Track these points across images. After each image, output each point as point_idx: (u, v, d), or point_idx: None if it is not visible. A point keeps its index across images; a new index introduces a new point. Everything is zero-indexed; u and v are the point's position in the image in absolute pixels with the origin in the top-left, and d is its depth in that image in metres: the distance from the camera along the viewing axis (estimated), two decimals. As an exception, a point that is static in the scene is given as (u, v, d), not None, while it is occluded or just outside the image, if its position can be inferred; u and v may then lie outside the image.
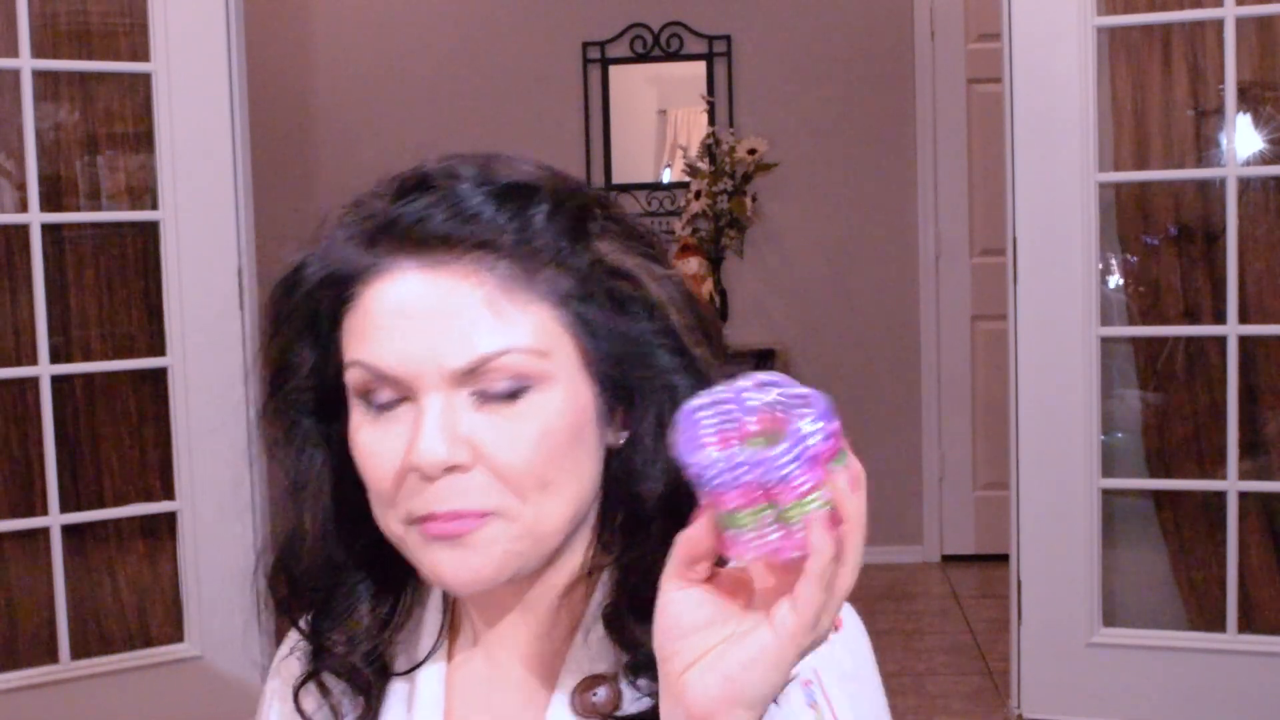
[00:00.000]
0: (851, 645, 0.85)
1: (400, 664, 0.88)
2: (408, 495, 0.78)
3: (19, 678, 3.00)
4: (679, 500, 0.79)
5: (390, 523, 0.80)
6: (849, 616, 0.85)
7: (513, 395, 0.78)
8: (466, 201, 0.80)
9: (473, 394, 0.78)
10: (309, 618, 0.88)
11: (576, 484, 0.81)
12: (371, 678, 0.87)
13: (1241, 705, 2.96)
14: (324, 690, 0.88)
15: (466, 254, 0.78)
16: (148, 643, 3.16)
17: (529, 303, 0.78)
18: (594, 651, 0.83)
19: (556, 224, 0.80)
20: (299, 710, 0.88)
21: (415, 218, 0.80)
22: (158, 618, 3.19)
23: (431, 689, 0.87)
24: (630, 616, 0.80)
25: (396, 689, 0.88)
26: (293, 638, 0.93)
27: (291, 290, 0.85)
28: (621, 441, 0.83)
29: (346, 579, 0.87)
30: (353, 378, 0.80)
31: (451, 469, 0.77)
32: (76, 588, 3.07)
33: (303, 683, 0.88)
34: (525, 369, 0.78)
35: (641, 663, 0.79)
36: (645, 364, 0.81)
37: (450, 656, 0.89)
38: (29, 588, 3.05)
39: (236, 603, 3.15)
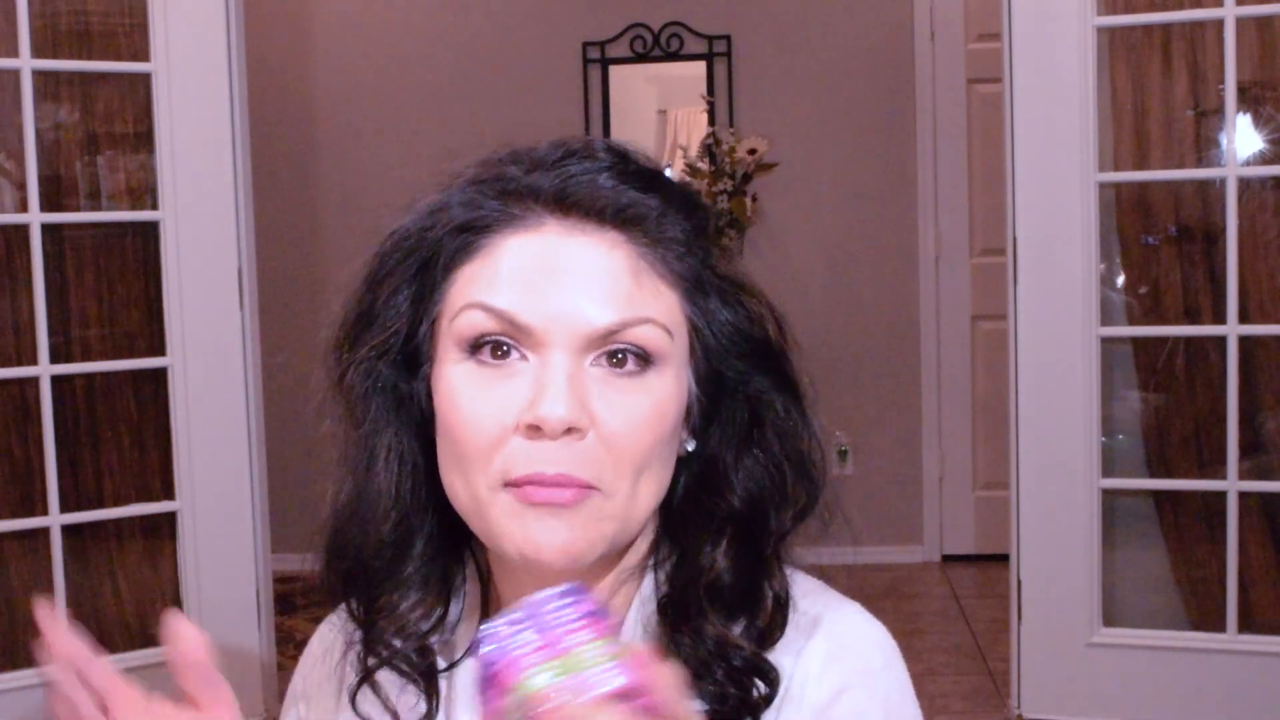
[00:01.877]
0: (890, 665, 0.84)
1: (439, 661, 0.87)
2: (509, 455, 0.76)
3: (19, 678, 3.00)
4: (754, 511, 0.82)
5: (476, 486, 0.78)
6: (883, 640, 0.84)
7: (635, 370, 0.78)
8: (610, 178, 0.80)
9: (595, 363, 0.78)
10: (359, 605, 0.86)
11: (664, 474, 0.81)
12: (425, 670, 0.86)
13: (1241, 705, 2.96)
14: (375, 687, 0.86)
15: (610, 225, 0.79)
16: (148, 643, 3.16)
17: (664, 283, 0.80)
18: None
19: (686, 219, 0.82)
20: (354, 708, 0.87)
21: (560, 184, 0.80)
22: (158, 618, 3.19)
23: (468, 689, 0.86)
24: (693, 612, 0.80)
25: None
26: (326, 626, 0.92)
27: (414, 236, 0.83)
28: (689, 449, 0.84)
29: (402, 565, 0.85)
30: (466, 324, 0.78)
31: (569, 431, 0.76)
32: (76, 588, 3.07)
33: (358, 685, 0.86)
34: (654, 345, 0.78)
35: (702, 662, 0.79)
36: (741, 369, 0.83)
37: None
38: (29, 588, 3.05)
39: (235, 602, 3.16)
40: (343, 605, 0.88)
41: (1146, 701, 3.03)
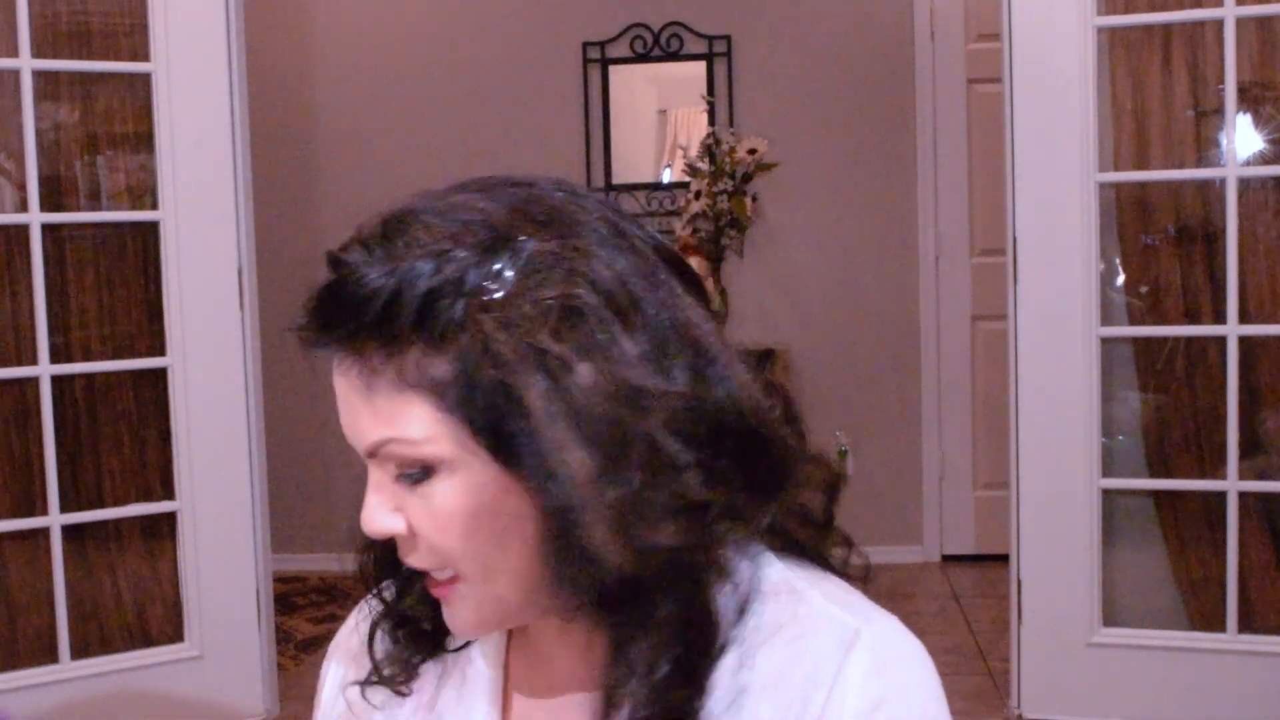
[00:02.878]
0: (928, 681, 0.85)
1: (451, 641, 0.90)
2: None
3: (19, 678, 3.00)
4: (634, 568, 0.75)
5: None
6: (920, 655, 0.85)
7: (420, 478, 0.76)
8: (343, 285, 0.74)
9: (391, 471, 0.78)
10: (390, 585, 0.90)
11: (518, 555, 0.76)
12: (432, 632, 0.89)
13: (1241, 705, 2.96)
14: (395, 639, 0.90)
15: (342, 342, 0.75)
16: (148, 643, 3.16)
17: (399, 393, 0.74)
18: (639, 686, 0.80)
19: (436, 301, 0.72)
20: (370, 654, 0.90)
21: (305, 306, 0.76)
22: (158, 618, 3.19)
23: (486, 673, 0.88)
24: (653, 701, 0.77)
25: (451, 673, 0.89)
26: (354, 617, 0.95)
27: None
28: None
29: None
30: None
31: (399, 535, 0.79)
32: (76, 588, 3.07)
33: (373, 630, 0.90)
34: (413, 456, 0.75)
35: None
36: (514, 434, 0.73)
37: (510, 645, 0.90)
38: (29, 588, 3.05)
39: (235, 602, 3.16)
40: (361, 604, 0.93)
41: (1146, 701, 3.03)
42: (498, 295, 0.72)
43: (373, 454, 0.77)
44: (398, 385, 0.74)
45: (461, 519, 0.75)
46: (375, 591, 0.90)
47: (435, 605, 0.85)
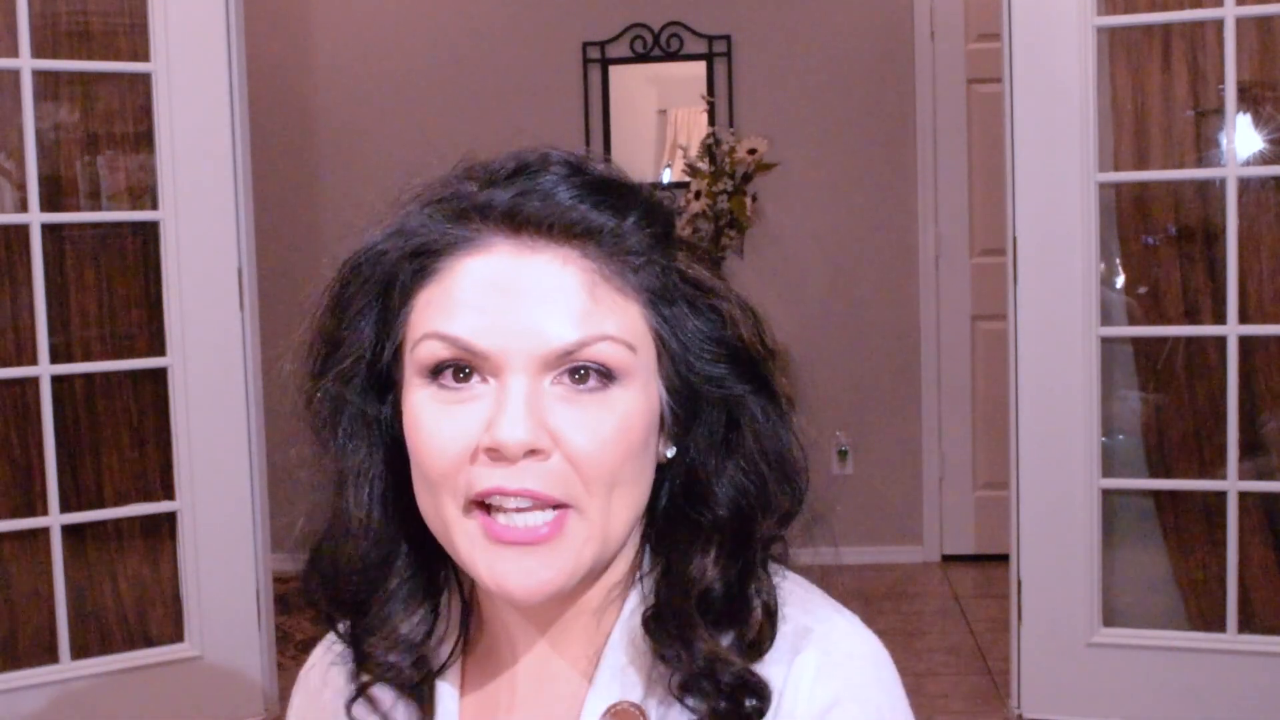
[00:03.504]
0: (882, 679, 0.83)
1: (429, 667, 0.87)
2: (473, 476, 0.76)
3: (19, 678, 3.00)
4: (739, 519, 0.81)
5: (443, 508, 0.78)
6: (874, 652, 0.84)
7: (597, 386, 0.77)
8: (565, 191, 0.79)
9: (556, 381, 0.77)
10: (347, 624, 0.86)
11: (641, 488, 0.80)
12: (418, 679, 0.86)
13: (1241, 705, 2.96)
14: (372, 701, 0.86)
15: (565, 241, 0.77)
16: (148, 643, 3.16)
17: (623, 296, 0.78)
18: (619, 677, 0.82)
19: (647, 228, 0.80)
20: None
21: (512, 201, 0.78)
22: (158, 618, 3.19)
23: (447, 707, 0.86)
24: (683, 625, 0.79)
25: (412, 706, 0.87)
26: (322, 648, 0.92)
27: (371, 261, 0.82)
28: (669, 456, 0.82)
29: (385, 581, 0.85)
30: (425, 353, 0.78)
31: (532, 453, 0.75)
32: (76, 588, 3.07)
33: (354, 698, 0.86)
34: (615, 361, 0.77)
35: (692, 677, 0.78)
36: (716, 378, 0.81)
37: (465, 671, 0.88)
38: (29, 588, 3.05)
39: (235, 602, 3.16)
40: (330, 634, 0.89)
41: (1146, 701, 3.03)
42: (684, 246, 0.82)
43: (567, 354, 0.76)
44: (621, 289, 0.78)
45: (625, 433, 0.77)
46: (344, 634, 0.87)
47: (411, 648, 0.84)
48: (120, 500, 3.13)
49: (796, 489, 0.84)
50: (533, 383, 0.76)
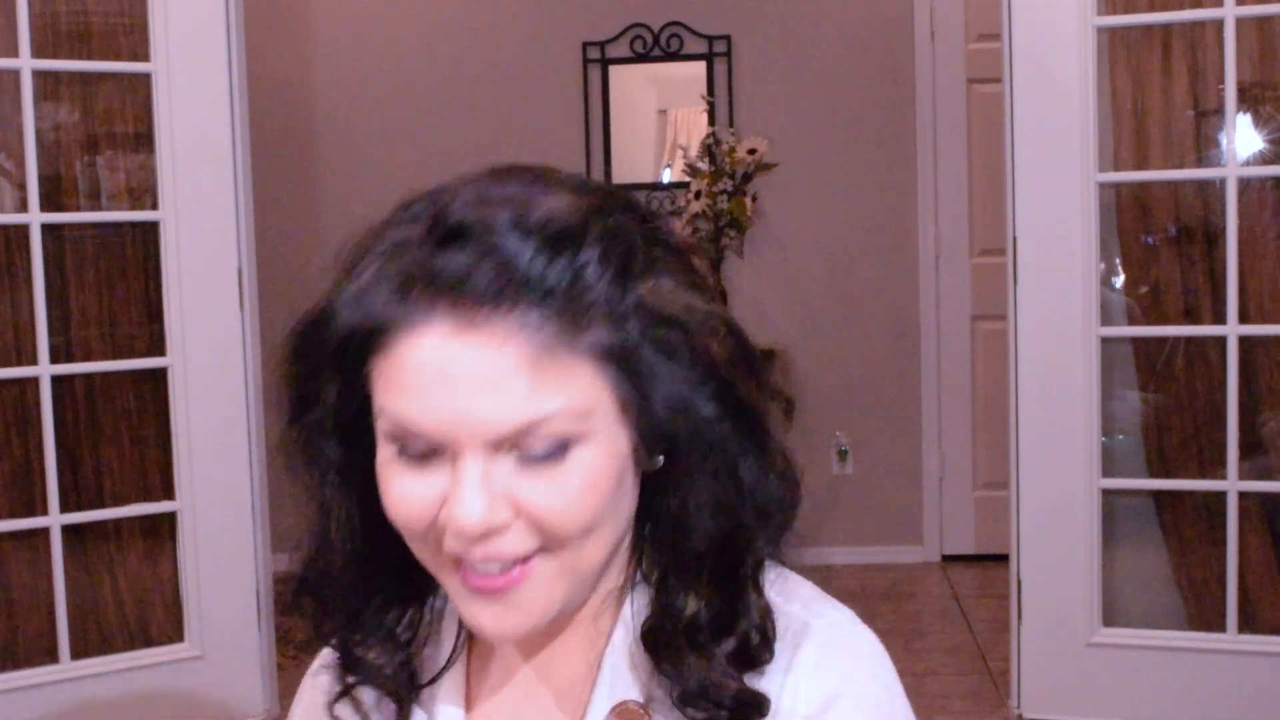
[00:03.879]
0: (879, 674, 0.83)
1: (423, 676, 0.88)
2: (445, 542, 0.76)
3: (19, 678, 3.00)
4: (725, 544, 0.80)
5: (425, 558, 0.79)
6: (871, 647, 0.84)
7: (555, 454, 0.75)
8: (512, 256, 0.74)
9: (510, 453, 0.75)
10: (338, 636, 0.87)
11: (618, 519, 0.80)
12: (404, 689, 0.86)
13: (1241, 705, 2.96)
14: (357, 704, 0.87)
15: (510, 313, 0.73)
16: (148, 643, 3.16)
17: (572, 363, 0.74)
18: (623, 678, 0.82)
19: (604, 271, 0.75)
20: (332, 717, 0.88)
21: (457, 275, 0.73)
22: (158, 618, 3.19)
23: (450, 711, 0.87)
24: (673, 648, 0.80)
25: (416, 712, 0.87)
26: (324, 655, 0.92)
27: (318, 329, 0.80)
28: (659, 464, 0.80)
29: (374, 598, 0.86)
30: (385, 424, 0.77)
31: (491, 532, 0.75)
32: (76, 588, 3.07)
33: (338, 697, 0.87)
34: (566, 432, 0.74)
35: (693, 690, 0.78)
36: (687, 413, 0.78)
37: (470, 675, 0.88)
38: (29, 588, 3.05)
39: (235, 602, 3.16)
40: (325, 649, 0.90)
41: (1146, 701, 3.03)
42: (658, 246, 0.79)
43: (515, 437, 0.73)
44: (571, 350, 0.74)
45: (590, 488, 0.76)
46: (333, 643, 0.87)
47: (402, 663, 0.85)
48: (120, 500, 3.13)
49: (785, 504, 0.83)
50: (486, 461, 0.74)
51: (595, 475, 0.76)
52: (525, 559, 0.76)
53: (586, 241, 0.75)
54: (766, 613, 0.81)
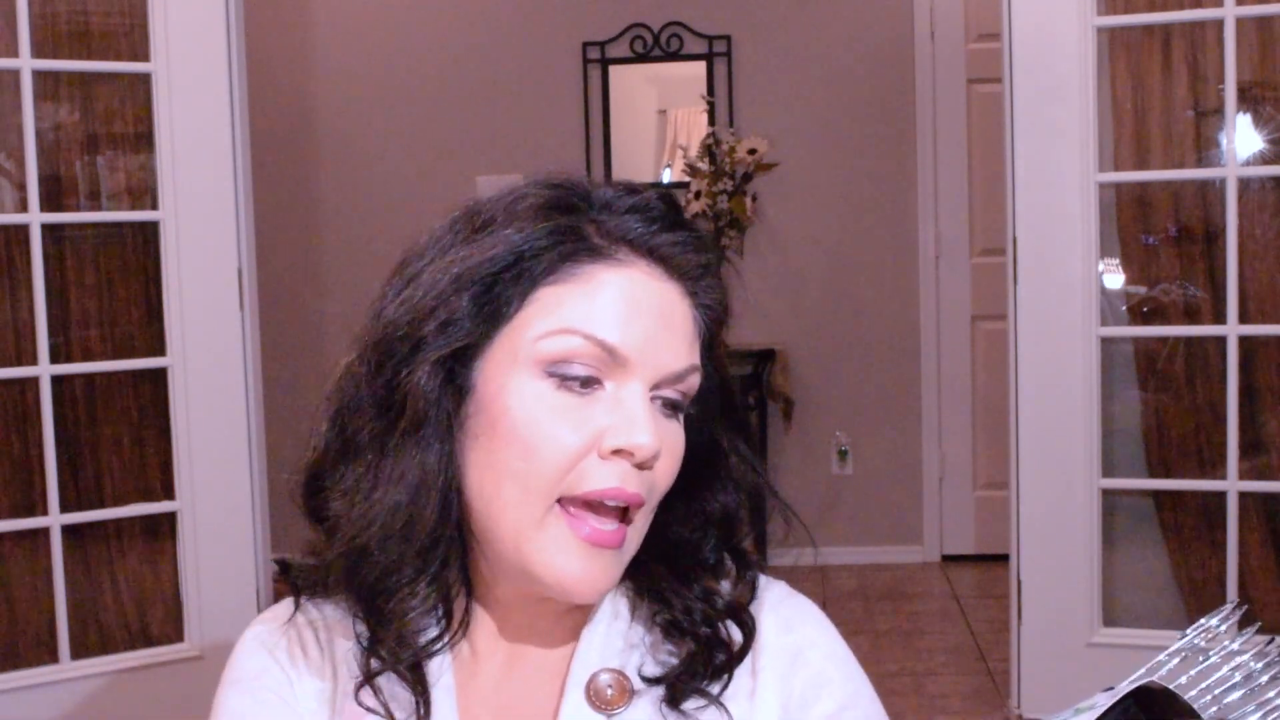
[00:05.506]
0: (830, 627, 0.92)
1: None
2: (584, 473, 0.80)
3: (19, 678, 3.00)
4: (727, 520, 0.90)
5: (533, 506, 0.80)
6: (814, 607, 0.92)
7: (672, 414, 0.85)
8: (678, 235, 0.86)
9: (655, 398, 0.83)
10: (365, 606, 0.85)
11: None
12: (419, 673, 0.86)
13: (1241, 705, 2.96)
14: (376, 690, 0.86)
15: (680, 277, 0.85)
16: (148, 643, 3.16)
17: (698, 332, 0.87)
18: (602, 646, 0.87)
19: (718, 280, 0.89)
20: (358, 702, 0.87)
21: (647, 230, 0.84)
22: (158, 618, 3.19)
23: (442, 680, 0.87)
24: (682, 565, 0.88)
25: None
26: (277, 610, 0.94)
27: (510, 247, 0.81)
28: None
29: (420, 575, 0.84)
30: (559, 346, 0.80)
31: (651, 458, 0.81)
32: (76, 588, 3.07)
33: (363, 683, 0.86)
34: (690, 393, 0.85)
35: (683, 613, 0.86)
36: (708, 414, 0.89)
37: (456, 656, 0.90)
38: (29, 588, 3.05)
39: (235, 602, 3.16)
40: (280, 605, 0.92)
41: (1146, 701, 3.03)
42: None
43: (679, 376, 0.83)
44: (698, 326, 0.86)
45: (681, 456, 0.85)
46: (359, 624, 0.86)
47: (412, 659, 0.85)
48: (120, 500, 3.13)
49: (758, 515, 0.92)
50: (647, 395, 0.82)
51: (683, 444, 0.86)
52: (629, 519, 0.82)
53: (711, 254, 0.89)
54: (755, 573, 0.90)
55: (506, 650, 0.89)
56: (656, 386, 0.82)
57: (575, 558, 0.80)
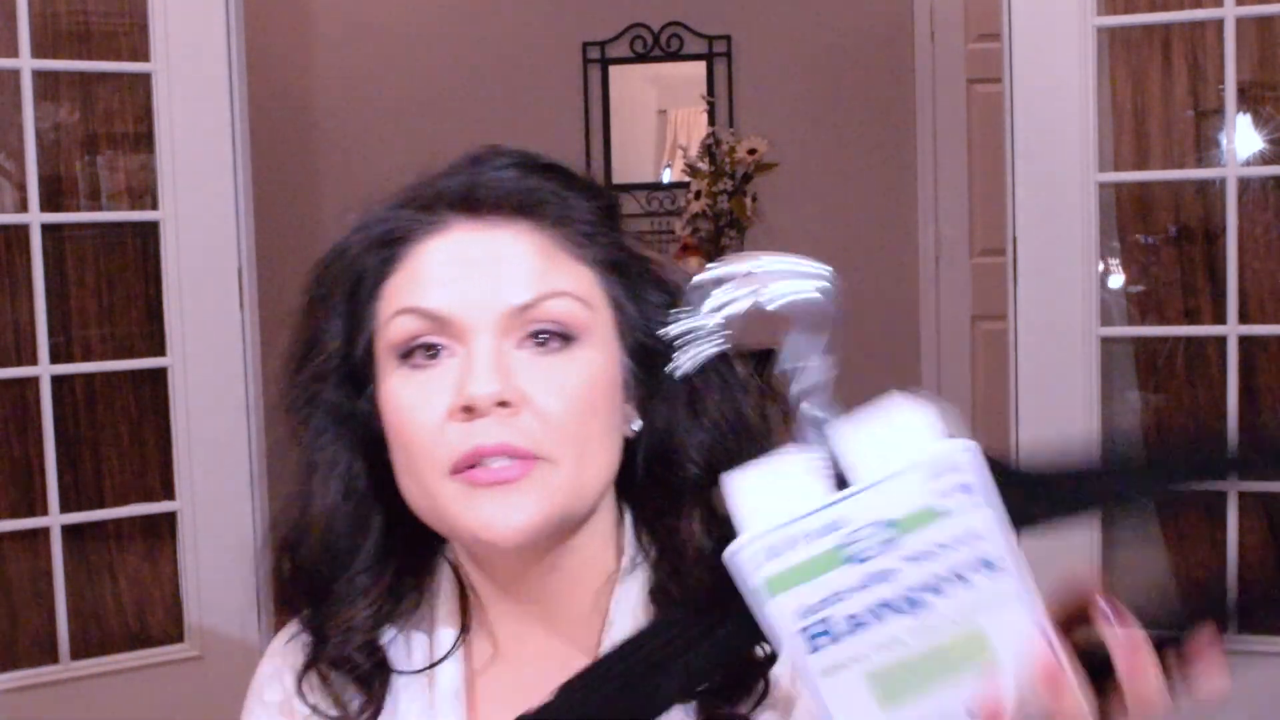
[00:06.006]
0: None
1: (416, 660, 0.88)
2: (449, 441, 0.79)
3: (19, 678, 3.00)
4: (713, 476, 0.84)
5: (425, 481, 0.80)
6: None
7: (559, 347, 0.81)
8: (514, 173, 0.85)
9: (521, 345, 0.80)
10: (309, 607, 0.89)
11: (609, 450, 0.83)
12: (370, 670, 0.87)
13: (1241, 705, 2.96)
14: (324, 679, 0.88)
15: (516, 216, 0.83)
16: (148, 643, 3.16)
17: (576, 261, 0.83)
18: (634, 617, 0.85)
19: (592, 203, 0.86)
20: (301, 697, 0.89)
21: (466, 182, 0.85)
22: (158, 618, 3.19)
23: (451, 688, 0.87)
24: (683, 593, 0.83)
25: (413, 689, 0.87)
26: (292, 627, 0.95)
27: (337, 259, 0.87)
28: (634, 430, 0.86)
29: (348, 568, 0.87)
30: (397, 331, 0.81)
31: (502, 404, 0.78)
32: (76, 588, 3.08)
33: (303, 672, 0.89)
34: (573, 318, 0.81)
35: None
36: (665, 341, 0.80)
37: (469, 659, 0.89)
38: (29, 588, 3.05)
39: (235, 602, 3.16)
40: (291, 626, 0.93)
41: (1146, 701, 3.03)
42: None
43: (526, 308, 0.80)
44: (574, 255, 0.83)
45: (589, 389, 0.81)
46: (304, 619, 0.89)
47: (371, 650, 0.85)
48: (120, 500, 3.13)
49: (757, 445, 0.86)
50: (498, 344, 0.80)
51: (593, 376, 0.81)
52: (531, 458, 0.79)
53: (576, 181, 0.87)
54: None
55: (536, 644, 0.87)
56: (511, 330, 0.80)
57: (481, 503, 0.79)
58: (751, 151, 4.48)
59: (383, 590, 0.87)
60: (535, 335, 0.80)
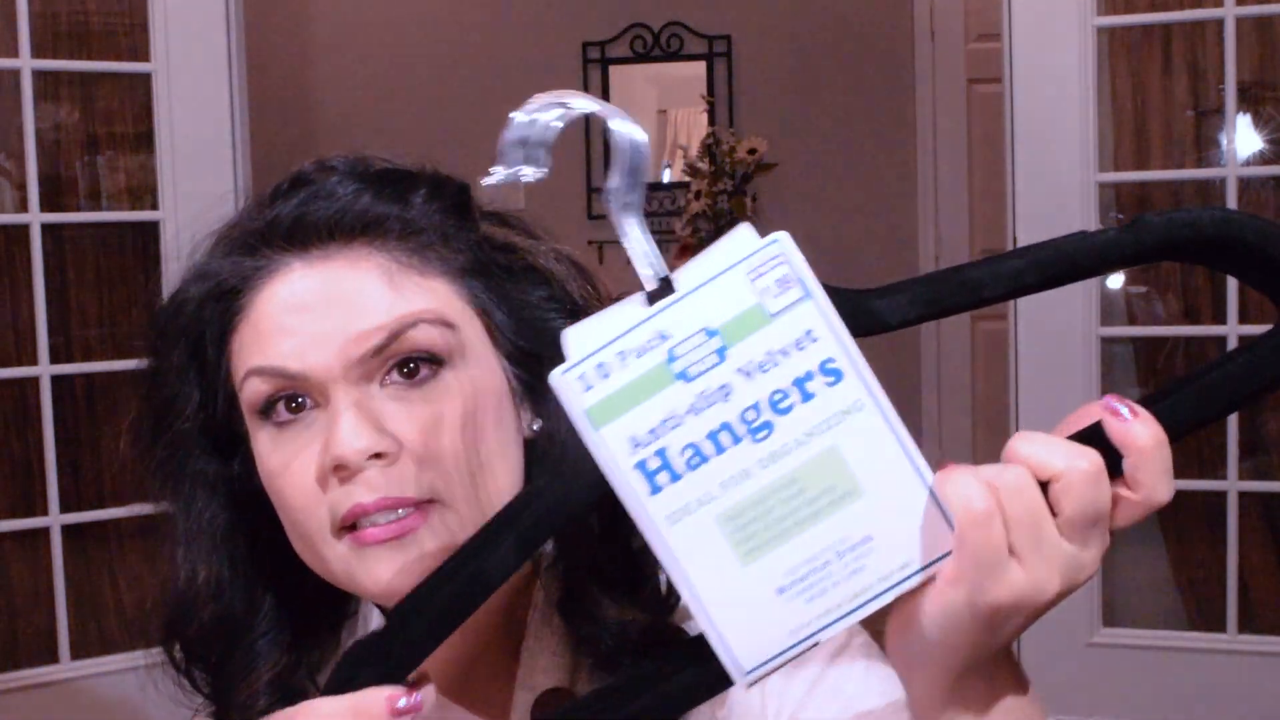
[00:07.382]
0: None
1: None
2: (331, 503, 0.72)
3: (19, 678, 3.00)
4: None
5: (314, 544, 0.74)
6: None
7: (428, 375, 0.73)
8: (343, 191, 0.78)
9: (385, 383, 0.73)
10: (208, 679, 0.84)
11: (509, 465, 0.76)
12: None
13: (1241, 705, 2.96)
14: None
15: (352, 241, 0.75)
16: (148, 643, 3.16)
17: (428, 278, 0.75)
18: (546, 661, 0.79)
19: (438, 205, 0.78)
20: None
21: (294, 214, 0.76)
22: (158, 618, 3.19)
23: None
24: (588, 602, 0.77)
25: None
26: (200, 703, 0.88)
27: (174, 315, 0.79)
28: (536, 429, 0.79)
29: (245, 637, 0.82)
30: (251, 393, 0.74)
31: (377, 456, 0.71)
32: (76, 588, 3.07)
33: None
34: (435, 343, 0.73)
35: (609, 652, 0.76)
36: (548, 337, 0.76)
37: None
38: (29, 588, 3.05)
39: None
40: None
41: (1146, 701, 3.03)
42: (485, 216, 0.81)
43: (381, 349, 0.72)
44: (424, 272, 0.75)
45: (470, 414, 0.74)
46: (208, 691, 0.83)
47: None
48: (120, 500, 3.13)
49: None
50: (359, 390, 0.72)
51: (472, 400, 0.74)
52: (422, 504, 0.72)
53: (414, 183, 0.79)
54: None
55: (444, 684, 0.82)
56: (371, 373, 0.72)
57: (372, 562, 0.72)
58: (751, 151, 4.48)
59: (284, 649, 0.81)
60: (400, 367, 0.73)
